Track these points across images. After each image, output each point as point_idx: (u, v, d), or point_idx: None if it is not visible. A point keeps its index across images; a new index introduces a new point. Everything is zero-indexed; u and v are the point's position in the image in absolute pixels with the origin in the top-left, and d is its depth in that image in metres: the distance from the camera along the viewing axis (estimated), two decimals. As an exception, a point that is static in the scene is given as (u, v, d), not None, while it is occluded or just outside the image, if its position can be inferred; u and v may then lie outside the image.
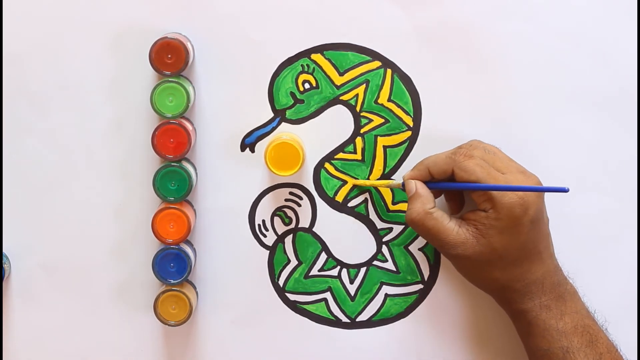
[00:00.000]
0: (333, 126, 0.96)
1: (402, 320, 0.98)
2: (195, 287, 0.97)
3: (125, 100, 0.95)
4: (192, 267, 0.95)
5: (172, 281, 0.94)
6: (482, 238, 0.89)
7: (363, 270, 0.98)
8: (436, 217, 0.90)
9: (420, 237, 0.97)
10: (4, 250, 0.97)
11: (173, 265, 0.94)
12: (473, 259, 0.89)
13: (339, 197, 0.97)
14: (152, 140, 0.92)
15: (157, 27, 0.94)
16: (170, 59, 0.91)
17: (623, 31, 0.95)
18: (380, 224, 0.97)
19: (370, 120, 0.96)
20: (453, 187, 0.91)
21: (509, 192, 0.88)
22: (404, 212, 0.97)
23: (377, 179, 0.96)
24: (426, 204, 0.90)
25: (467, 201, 0.96)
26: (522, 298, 0.90)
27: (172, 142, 0.92)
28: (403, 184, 0.93)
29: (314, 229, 0.97)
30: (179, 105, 0.92)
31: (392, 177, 0.96)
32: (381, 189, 0.97)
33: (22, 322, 0.98)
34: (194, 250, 0.96)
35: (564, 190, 0.86)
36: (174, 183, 0.93)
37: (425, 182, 0.92)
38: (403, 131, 0.96)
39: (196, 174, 0.95)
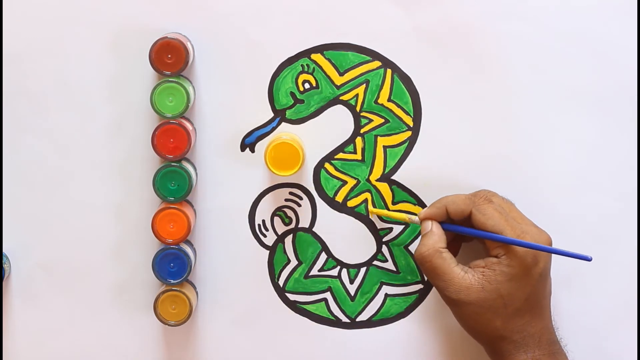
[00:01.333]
0: (333, 126, 0.96)
1: (402, 320, 0.98)
2: (195, 287, 0.97)
3: (125, 100, 0.95)
4: (192, 267, 0.95)
5: (172, 281, 0.94)
6: (489, 284, 0.89)
7: (363, 270, 0.98)
8: (445, 257, 0.90)
9: (420, 237, 0.97)
10: (4, 250, 0.97)
11: (173, 265, 0.94)
12: (476, 305, 0.89)
13: (339, 197, 0.97)
14: (152, 140, 0.92)
15: (157, 27, 0.94)
16: (170, 59, 0.91)
17: (623, 31, 0.95)
18: (380, 224, 0.97)
19: (370, 120, 0.96)
20: (470, 233, 0.91)
21: (525, 240, 0.89)
22: (403, 212, 0.97)
23: (394, 211, 0.97)
24: (438, 243, 0.91)
25: (472, 249, 0.96)
26: (517, 350, 0.90)
27: (172, 142, 0.92)
28: (413, 220, 0.94)
29: (314, 229, 0.97)
30: (179, 105, 0.92)
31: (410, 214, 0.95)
32: (381, 189, 0.97)
33: (22, 322, 0.98)
34: (194, 250, 0.96)
35: (587, 258, 0.87)
36: (174, 183, 0.93)
37: (441, 223, 0.92)
38: (403, 131, 0.96)
39: (196, 174, 0.95)
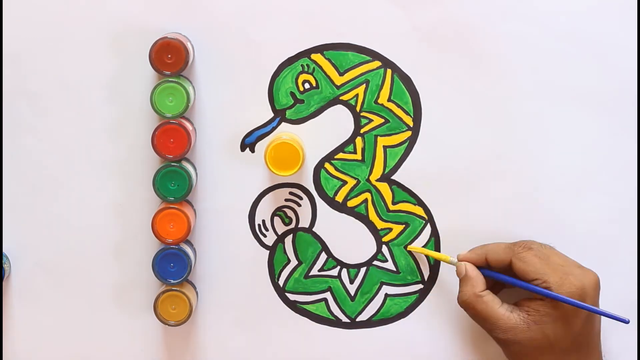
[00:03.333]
0: (333, 126, 0.96)
1: (402, 320, 0.98)
2: (195, 287, 0.97)
3: (125, 100, 0.95)
4: (192, 267, 0.95)
5: (172, 281, 0.94)
6: (534, 325, 0.89)
7: (363, 270, 0.98)
8: (486, 300, 0.91)
9: (420, 237, 0.97)
10: (4, 250, 0.97)
11: (173, 265, 0.94)
12: (523, 345, 0.90)
13: (339, 197, 0.97)
14: (152, 140, 0.92)
15: (157, 27, 0.94)
16: (170, 59, 0.91)
17: (623, 32, 0.95)
18: (380, 224, 0.97)
19: (370, 120, 0.96)
20: (509, 282, 0.92)
21: (569, 281, 0.89)
22: (403, 212, 0.97)
23: (431, 250, 0.97)
24: (476, 287, 0.92)
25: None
26: None
27: (172, 142, 0.92)
28: (452, 261, 0.95)
29: (314, 229, 0.97)
30: (179, 105, 0.92)
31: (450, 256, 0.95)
32: (381, 189, 0.97)
33: (22, 322, 0.98)
34: (194, 250, 0.96)
35: (624, 321, 0.89)
36: (174, 183, 0.93)
37: (481, 269, 0.93)
38: (403, 131, 0.96)
39: (196, 174, 0.95)
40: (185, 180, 0.93)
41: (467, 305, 0.92)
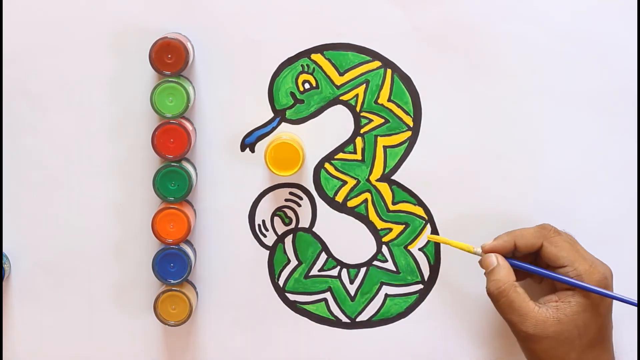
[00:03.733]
0: (333, 126, 0.96)
1: (402, 320, 0.98)
2: (195, 287, 0.97)
3: (125, 100, 0.95)
4: (192, 267, 0.95)
5: (172, 281, 0.94)
6: (565, 317, 0.88)
7: (363, 270, 0.98)
8: (519, 291, 0.89)
9: (420, 237, 0.97)
10: (4, 250, 0.97)
11: (173, 265, 0.94)
12: (552, 339, 0.88)
13: (339, 197, 0.97)
14: (152, 140, 0.92)
15: (156, 27, 0.94)
16: (170, 59, 0.91)
17: (623, 31, 0.95)
18: (380, 224, 0.97)
19: (370, 120, 0.96)
20: (540, 273, 0.91)
21: (597, 270, 0.89)
22: (403, 212, 0.97)
23: (452, 240, 0.95)
24: (510, 276, 0.90)
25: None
26: None
27: (172, 142, 0.92)
28: (476, 251, 0.93)
29: (314, 229, 0.97)
30: (179, 105, 0.92)
31: (472, 245, 0.94)
32: (381, 189, 0.97)
33: (22, 322, 0.98)
34: (194, 251, 0.96)
35: (634, 303, 0.89)
36: (174, 183, 0.93)
37: (509, 259, 0.91)
38: (403, 131, 0.96)
39: (196, 174, 0.95)
40: (185, 181, 0.93)
41: (501, 293, 0.89)
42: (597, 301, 0.89)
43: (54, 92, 0.96)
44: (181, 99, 0.92)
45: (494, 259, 0.91)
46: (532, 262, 0.93)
